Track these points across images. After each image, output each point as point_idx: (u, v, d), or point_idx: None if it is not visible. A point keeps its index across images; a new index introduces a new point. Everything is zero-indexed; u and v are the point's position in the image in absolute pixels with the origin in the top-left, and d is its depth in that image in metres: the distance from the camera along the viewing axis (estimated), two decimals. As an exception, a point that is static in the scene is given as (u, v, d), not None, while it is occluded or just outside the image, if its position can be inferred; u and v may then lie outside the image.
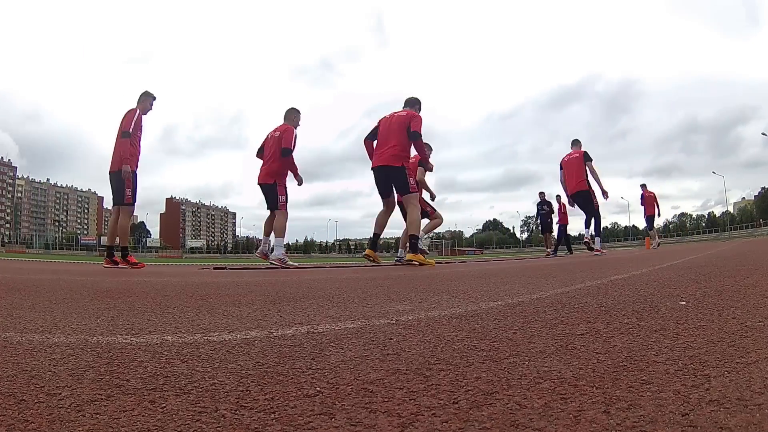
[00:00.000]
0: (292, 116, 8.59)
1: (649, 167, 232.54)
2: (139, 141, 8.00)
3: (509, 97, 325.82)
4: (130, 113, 7.86)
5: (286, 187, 8.48)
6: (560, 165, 12.56)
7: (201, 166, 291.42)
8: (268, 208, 8.60)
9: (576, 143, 12.64)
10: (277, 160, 8.27)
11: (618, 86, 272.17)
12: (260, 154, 8.71)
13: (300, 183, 8.60)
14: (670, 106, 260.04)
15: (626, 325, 1.67)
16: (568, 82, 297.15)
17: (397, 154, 7.80)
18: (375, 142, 8.18)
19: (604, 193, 12.17)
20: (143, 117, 8.03)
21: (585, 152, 12.16)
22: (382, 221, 8.51)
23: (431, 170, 9.43)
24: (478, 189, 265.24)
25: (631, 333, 1.53)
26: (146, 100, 8.13)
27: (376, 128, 8.17)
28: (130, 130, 7.71)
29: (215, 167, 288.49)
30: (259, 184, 8.55)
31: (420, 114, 8.02)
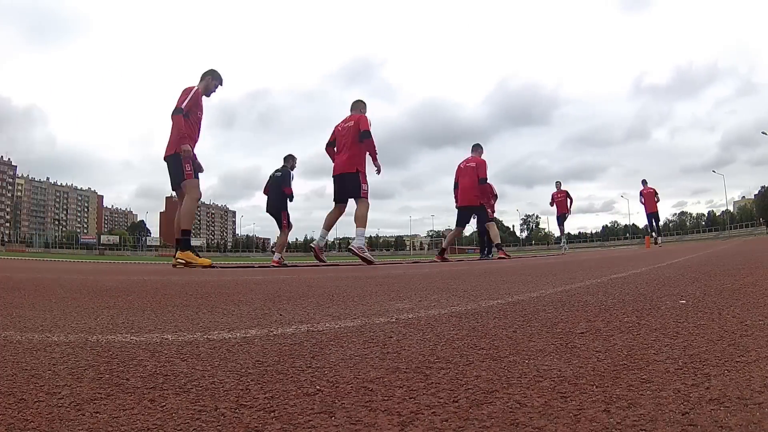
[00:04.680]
0: (360, 106, 8.98)
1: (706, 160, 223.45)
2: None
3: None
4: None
5: (366, 175, 8.60)
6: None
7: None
8: (336, 200, 8.81)
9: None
10: (356, 145, 8.45)
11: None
12: (330, 147, 8.97)
13: (378, 171, 8.77)
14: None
15: (626, 323, 1.67)
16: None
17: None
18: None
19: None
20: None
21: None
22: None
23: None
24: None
25: (631, 332, 1.53)
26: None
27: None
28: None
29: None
30: (336, 175, 8.73)
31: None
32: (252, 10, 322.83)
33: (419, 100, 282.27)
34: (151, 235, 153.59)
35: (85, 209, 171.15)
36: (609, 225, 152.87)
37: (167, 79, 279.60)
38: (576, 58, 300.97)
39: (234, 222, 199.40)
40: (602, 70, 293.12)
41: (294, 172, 11.75)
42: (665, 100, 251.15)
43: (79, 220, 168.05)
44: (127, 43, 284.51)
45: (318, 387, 1.03)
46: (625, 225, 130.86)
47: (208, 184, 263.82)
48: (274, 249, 12.38)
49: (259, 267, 8.80)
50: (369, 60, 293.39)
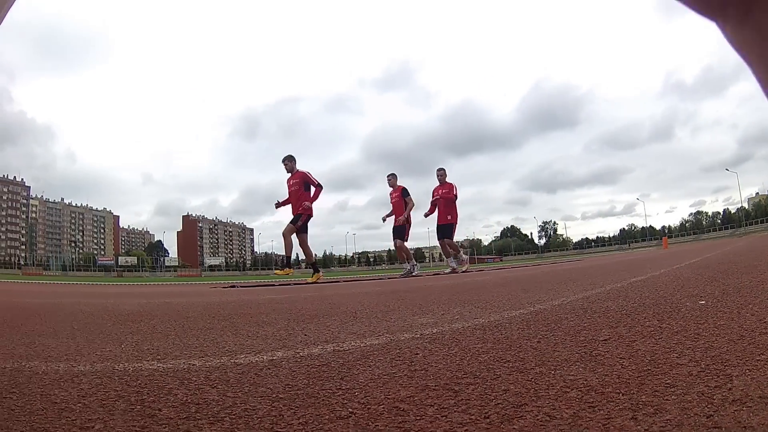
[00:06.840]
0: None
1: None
2: None
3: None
4: None
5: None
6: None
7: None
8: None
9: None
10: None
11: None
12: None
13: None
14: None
15: (648, 328, 1.68)
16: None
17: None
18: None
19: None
20: None
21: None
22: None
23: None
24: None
25: (653, 336, 1.54)
26: None
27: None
28: None
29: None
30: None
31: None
32: (281, 15, 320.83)
33: (453, 104, 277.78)
34: (169, 255, 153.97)
35: (102, 230, 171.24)
36: (626, 228, 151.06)
37: (186, 96, 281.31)
38: (609, 59, 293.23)
39: (252, 240, 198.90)
40: (634, 71, 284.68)
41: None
42: (692, 99, 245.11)
43: (95, 241, 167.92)
44: (146, 55, 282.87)
45: (350, 409, 1.04)
46: (642, 227, 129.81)
47: (229, 200, 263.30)
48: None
49: (279, 285, 8.82)
50: (406, 64, 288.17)
